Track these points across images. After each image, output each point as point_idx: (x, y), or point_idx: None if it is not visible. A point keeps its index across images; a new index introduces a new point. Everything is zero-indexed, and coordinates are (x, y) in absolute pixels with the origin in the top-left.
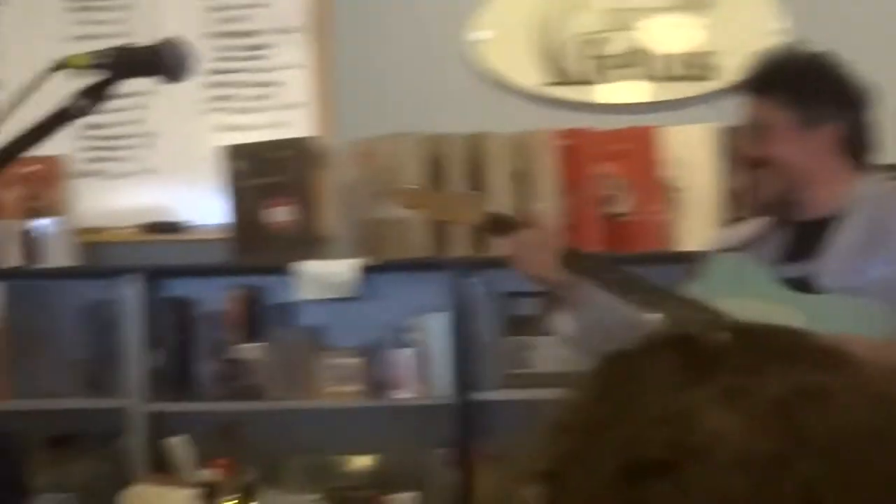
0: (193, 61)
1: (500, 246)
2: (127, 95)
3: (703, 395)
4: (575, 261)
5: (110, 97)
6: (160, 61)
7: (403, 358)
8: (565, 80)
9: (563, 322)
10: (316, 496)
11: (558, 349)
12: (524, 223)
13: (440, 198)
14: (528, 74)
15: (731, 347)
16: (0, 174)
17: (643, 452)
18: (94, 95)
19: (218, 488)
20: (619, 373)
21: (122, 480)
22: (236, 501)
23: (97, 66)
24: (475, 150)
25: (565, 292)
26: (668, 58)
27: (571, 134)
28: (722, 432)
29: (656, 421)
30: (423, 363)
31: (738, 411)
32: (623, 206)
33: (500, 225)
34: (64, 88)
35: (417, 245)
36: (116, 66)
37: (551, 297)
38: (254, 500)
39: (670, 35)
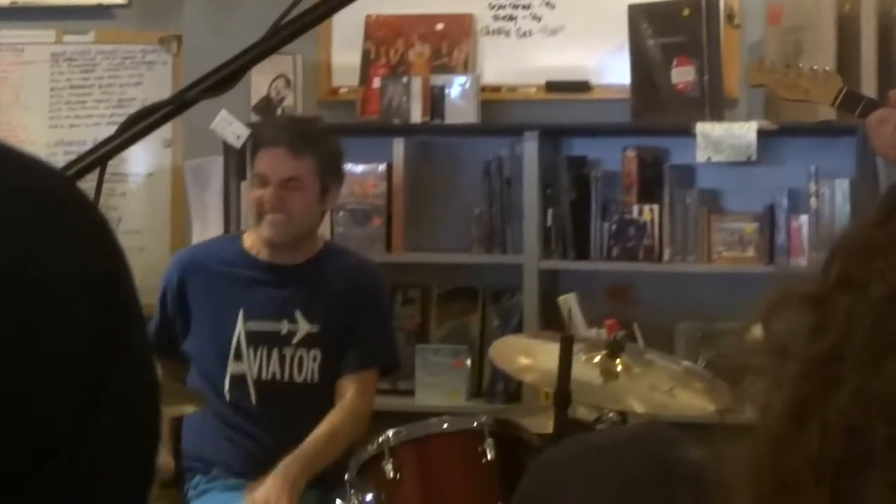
0: None
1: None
2: None
3: None
4: None
5: None
6: None
7: (801, 225)
8: None
9: None
10: (700, 362)
11: None
12: (881, 102)
13: (794, 75)
14: None
15: None
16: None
17: None
18: None
19: (590, 344)
20: None
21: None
22: (601, 356)
23: None
24: (890, 12)
25: None
26: None
27: None
28: None
29: None
30: (822, 231)
31: None
32: None
33: (854, 103)
34: None
35: (821, 109)
36: None
37: None
38: (619, 357)
39: None
